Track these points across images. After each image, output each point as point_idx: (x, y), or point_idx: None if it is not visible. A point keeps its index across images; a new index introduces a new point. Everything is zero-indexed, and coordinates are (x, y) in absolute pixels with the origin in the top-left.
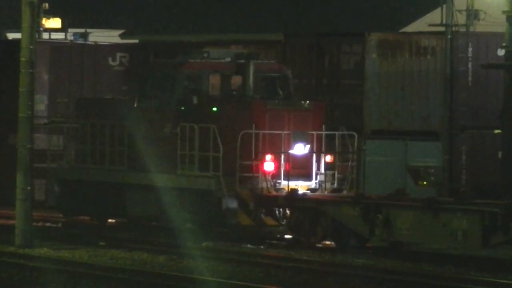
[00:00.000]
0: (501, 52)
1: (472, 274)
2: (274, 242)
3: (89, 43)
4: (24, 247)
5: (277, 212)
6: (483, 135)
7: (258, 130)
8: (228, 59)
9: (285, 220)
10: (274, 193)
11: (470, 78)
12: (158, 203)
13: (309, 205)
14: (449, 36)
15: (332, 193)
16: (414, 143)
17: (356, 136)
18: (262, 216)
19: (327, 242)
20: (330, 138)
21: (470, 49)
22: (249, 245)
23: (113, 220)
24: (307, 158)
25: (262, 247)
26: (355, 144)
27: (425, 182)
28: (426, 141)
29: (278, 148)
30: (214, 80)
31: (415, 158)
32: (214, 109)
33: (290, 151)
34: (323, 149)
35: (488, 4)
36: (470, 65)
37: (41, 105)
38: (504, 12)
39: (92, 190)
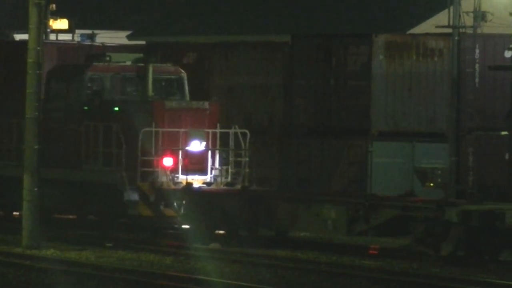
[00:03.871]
0: (508, 54)
1: (479, 276)
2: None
3: (96, 44)
4: (31, 248)
5: (175, 204)
6: (490, 136)
7: (157, 128)
8: (129, 63)
9: (182, 212)
10: (172, 186)
11: (477, 80)
12: (64, 196)
13: (204, 197)
14: (456, 38)
15: (225, 187)
16: (421, 145)
17: (248, 134)
18: (162, 208)
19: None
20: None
21: (477, 51)
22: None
23: (17, 213)
24: (203, 154)
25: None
26: (247, 141)
27: (432, 184)
28: (433, 142)
29: (176, 145)
30: (116, 81)
31: (422, 159)
32: (116, 108)
33: (187, 148)
34: (217, 146)
35: (495, 6)
36: (477, 66)
37: None
38: (511, 13)
39: (0, 184)
